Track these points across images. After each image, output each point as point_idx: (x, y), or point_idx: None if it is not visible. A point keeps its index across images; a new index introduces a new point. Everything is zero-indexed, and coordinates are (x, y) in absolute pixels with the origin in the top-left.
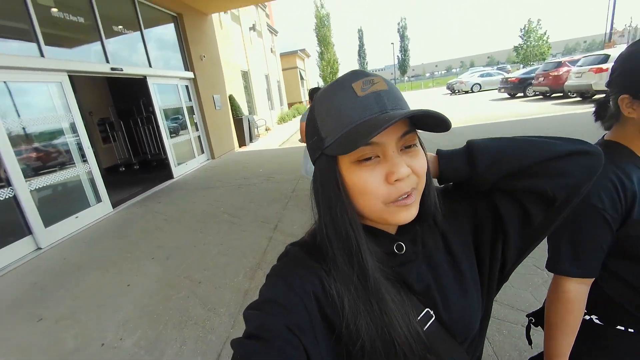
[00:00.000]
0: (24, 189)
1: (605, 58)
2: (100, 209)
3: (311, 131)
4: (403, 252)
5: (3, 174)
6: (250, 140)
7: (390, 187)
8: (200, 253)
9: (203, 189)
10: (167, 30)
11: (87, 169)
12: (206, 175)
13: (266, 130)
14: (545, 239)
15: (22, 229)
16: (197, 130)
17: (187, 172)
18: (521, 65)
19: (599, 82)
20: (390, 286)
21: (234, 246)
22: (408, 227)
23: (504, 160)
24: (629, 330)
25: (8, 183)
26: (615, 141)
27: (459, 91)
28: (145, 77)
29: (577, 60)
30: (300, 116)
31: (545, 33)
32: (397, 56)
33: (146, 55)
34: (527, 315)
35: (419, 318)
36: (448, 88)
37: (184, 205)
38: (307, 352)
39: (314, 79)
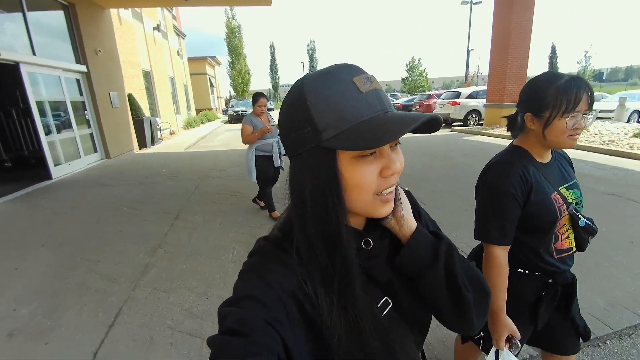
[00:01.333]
0: None
1: (457, 94)
2: None
3: (298, 122)
4: (370, 248)
5: None
6: (152, 142)
7: (381, 180)
8: (98, 240)
9: (97, 186)
10: (56, 19)
11: None
12: (100, 174)
13: (170, 134)
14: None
15: None
16: (90, 127)
17: (75, 170)
18: (408, 94)
19: (454, 112)
20: (360, 280)
21: (134, 232)
22: (376, 224)
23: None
24: (525, 271)
25: None
26: (520, 146)
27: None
28: (17, 63)
29: (441, 94)
30: (244, 118)
31: (424, 70)
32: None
33: (29, 40)
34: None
35: (378, 305)
36: None
37: (76, 200)
38: (286, 346)
39: (225, 87)
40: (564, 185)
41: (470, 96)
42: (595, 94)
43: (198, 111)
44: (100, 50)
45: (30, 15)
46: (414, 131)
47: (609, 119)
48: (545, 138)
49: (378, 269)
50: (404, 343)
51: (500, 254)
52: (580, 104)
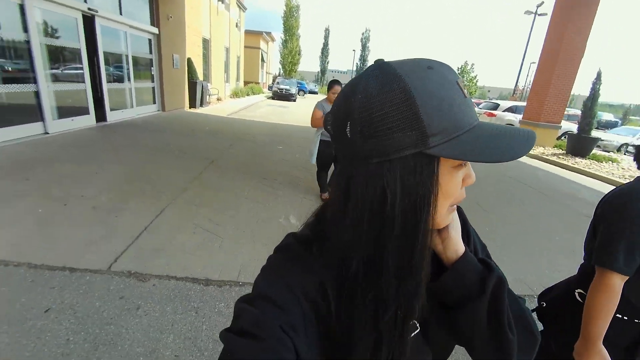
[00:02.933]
0: None
1: (496, 106)
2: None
3: (397, 122)
4: None
5: None
6: (201, 104)
7: (460, 190)
8: (153, 165)
9: (154, 131)
10: None
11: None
12: (157, 122)
13: (217, 99)
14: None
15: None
16: (153, 82)
17: (140, 115)
18: None
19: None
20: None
21: (179, 166)
22: None
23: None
24: (624, 317)
25: None
26: None
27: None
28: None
29: (480, 104)
30: (317, 103)
31: (476, 76)
32: (356, 64)
33: (118, 3)
34: (539, 299)
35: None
36: None
37: (138, 138)
38: (298, 354)
39: (275, 64)
40: None
41: (509, 109)
42: None
43: (246, 83)
44: (171, 17)
45: None
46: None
47: None
48: None
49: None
50: None
51: (618, 283)
52: None
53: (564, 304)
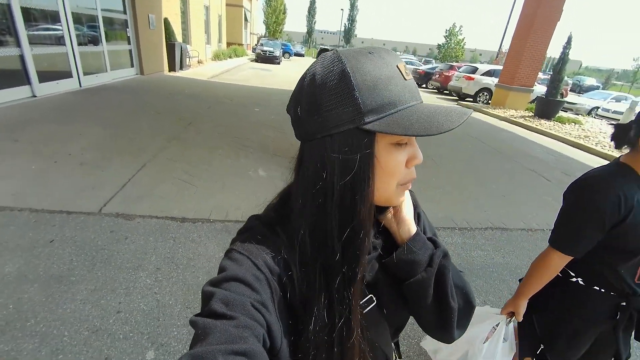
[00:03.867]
0: None
1: (474, 69)
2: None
3: (336, 100)
4: None
5: None
6: (181, 67)
7: (407, 171)
8: (135, 124)
9: (134, 93)
10: None
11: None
12: (136, 85)
13: (198, 62)
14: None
15: None
16: (130, 44)
17: (119, 78)
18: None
19: (467, 87)
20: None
21: (158, 126)
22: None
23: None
24: (601, 290)
25: None
26: (627, 164)
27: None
28: None
29: (461, 67)
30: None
31: (463, 39)
32: (345, 24)
33: None
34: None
35: (362, 301)
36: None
37: (119, 100)
38: (271, 330)
39: (259, 25)
40: None
41: (487, 73)
42: (617, 94)
43: (229, 44)
44: None
45: None
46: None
47: (618, 119)
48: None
49: (368, 267)
50: (381, 339)
51: (557, 261)
52: None
53: (556, 284)
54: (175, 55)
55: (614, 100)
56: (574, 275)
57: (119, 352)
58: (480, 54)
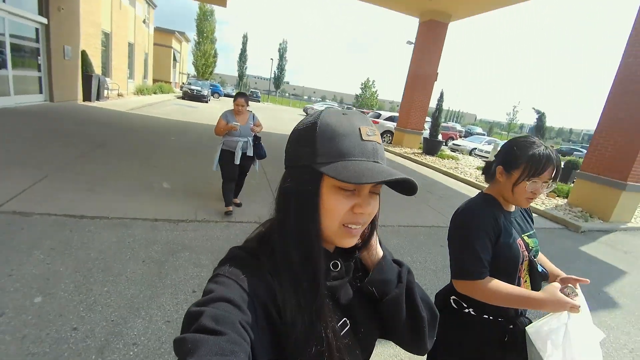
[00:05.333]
0: None
1: (379, 115)
2: None
3: (304, 141)
4: (337, 270)
5: None
6: (97, 98)
7: (351, 215)
8: (40, 142)
9: (42, 118)
10: None
11: None
12: (44, 111)
13: (118, 95)
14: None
15: None
16: (40, 71)
17: (20, 104)
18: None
19: None
20: (325, 293)
21: (64, 147)
22: (345, 251)
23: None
24: (490, 317)
25: None
26: (490, 194)
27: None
28: None
29: (369, 114)
30: (222, 113)
31: (376, 91)
32: (275, 72)
33: None
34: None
35: (338, 325)
36: (304, 110)
37: (26, 123)
38: (254, 352)
39: (190, 66)
40: (526, 234)
41: (389, 119)
42: (490, 139)
43: (155, 81)
44: (62, 8)
45: None
46: (393, 188)
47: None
48: (510, 193)
49: (341, 291)
50: None
51: (488, 284)
52: (544, 174)
53: (442, 310)
54: (91, 86)
55: (487, 143)
56: (466, 306)
57: (11, 299)
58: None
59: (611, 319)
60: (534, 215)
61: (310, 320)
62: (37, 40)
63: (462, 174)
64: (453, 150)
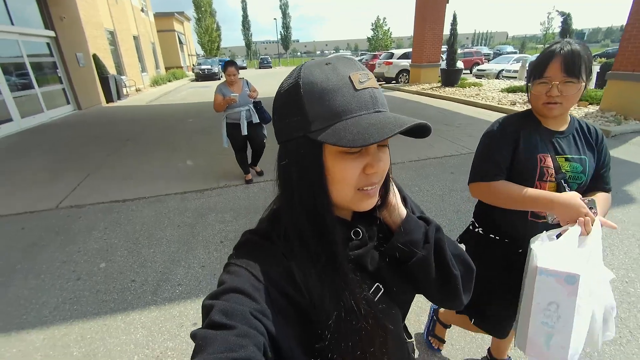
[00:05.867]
0: None
1: (391, 55)
2: None
3: (290, 109)
4: (360, 237)
5: None
6: (118, 97)
7: (364, 177)
8: (76, 147)
9: (79, 126)
10: None
11: None
12: (76, 119)
13: (137, 90)
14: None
15: None
16: (62, 83)
17: (54, 117)
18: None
19: (387, 71)
20: (349, 265)
21: (97, 147)
22: (364, 215)
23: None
24: (496, 237)
25: None
26: (530, 110)
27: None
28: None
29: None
30: (216, 87)
31: (389, 29)
32: (280, 32)
33: (7, 13)
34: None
35: (371, 291)
36: None
37: (68, 133)
38: (273, 338)
39: (196, 46)
40: (564, 156)
41: (403, 56)
42: (519, 56)
43: (167, 69)
44: (64, 17)
45: None
46: (404, 134)
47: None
48: (531, 103)
49: (367, 258)
50: (396, 322)
51: (500, 186)
52: (548, 71)
53: (465, 234)
54: (110, 87)
55: (515, 62)
56: (477, 226)
57: (83, 268)
58: (409, 38)
59: (624, 214)
60: None
61: (337, 297)
62: (51, 54)
63: (483, 99)
64: (478, 76)
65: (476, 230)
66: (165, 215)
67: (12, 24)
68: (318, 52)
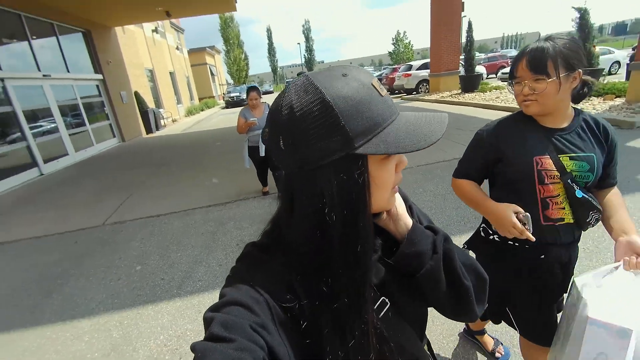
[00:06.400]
0: None
1: (410, 67)
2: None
3: (323, 131)
4: None
5: None
6: (157, 128)
7: (397, 176)
8: (120, 174)
9: (126, 154)
10: (79, 41)
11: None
12: (121, 150)
13: (173, 121)
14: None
15: None
16: (109, 119)
17: (102, 150)
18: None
19: (407, 83)
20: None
21: (138, 172)
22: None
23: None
24: (515, 244)
25: None
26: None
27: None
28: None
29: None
30: (240, 111)
31: (409, 42)
32: (304, 55)
33: (64, 63)
34: (464, 244)
35: (375, 306)
36: None
37: (115, 161)
38: (273, 352)
39: (227, 75)
40: (567, 154)
41: (422, 67)
42: (600, 48)
43: (201, 99)
44: (110, 61)
45: (62, 41)
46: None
47: None
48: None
49: (372, 270)
50: (407, 341)
51: (461, 183)
52: (518, 71)
53: (474, 240)
54: (149, 120)
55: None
56: (491, 232)
57: (123, 270)
58: (413, 53)
59: (630, 201)
60: None
61: (342, 313)
62: (99, 94)
63: (503, 102)
64: (503, 80)
65: (490, 237)
66: (191, 226)
67: (68, 71)
68: None
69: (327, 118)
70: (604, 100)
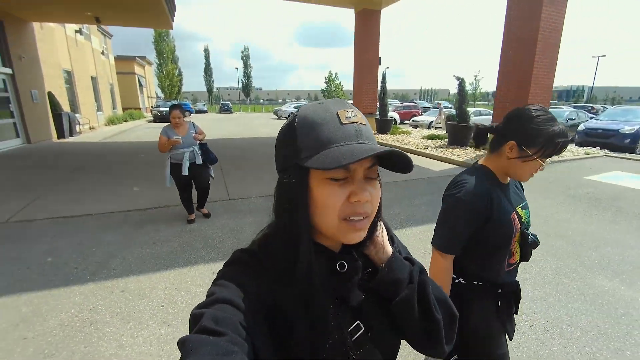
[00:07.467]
0: None
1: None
2: None
3: (286, 142)
4: (344, 270)
5: None
6: (71, 134)
7: (348, 205)
8: (26, 175)
9: (25, 157)
10: None
11: None
12: (24, 152)
13: (90, 128)
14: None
15: None
16: (13, 117)
17: (2, 149)
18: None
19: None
20: (328, 298)
21: (48, 175)
22: (351, 248)
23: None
24: (479, 283)
25: None
26: (488, 167)
27: (280, 116)
28: None
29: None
30: (161, 129)
31: (340, 83)
32: (242, 80)
33: None
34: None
35: (350, 329)
36: (274, 113)
37: (10, 162)
38: (259, 351)
39: (157, 88)
40: (520, 205)
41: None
42: (474, 109)
43: (125, 109)
44: (24, 57)
45: None
46: (390, 169)
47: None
48: (516, 169)
49: (350, 293)
50: None
51: (439, 259)
52: (563, 152)
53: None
54: (63, 124)
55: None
56: (455, 277)
57: (36, 257)
58: (343, 94)
59: None
60: None
61: (311, 326)
62: (5, 90)
63: (405, 144)
64: (414, 126)
65: (456, 281)
66: (108, 226)
67: None
68: (280, 100)
69: (289, 132)
70: (474, 150)
